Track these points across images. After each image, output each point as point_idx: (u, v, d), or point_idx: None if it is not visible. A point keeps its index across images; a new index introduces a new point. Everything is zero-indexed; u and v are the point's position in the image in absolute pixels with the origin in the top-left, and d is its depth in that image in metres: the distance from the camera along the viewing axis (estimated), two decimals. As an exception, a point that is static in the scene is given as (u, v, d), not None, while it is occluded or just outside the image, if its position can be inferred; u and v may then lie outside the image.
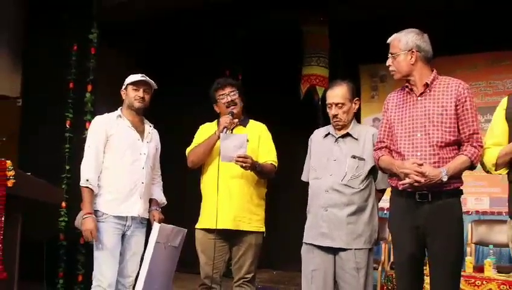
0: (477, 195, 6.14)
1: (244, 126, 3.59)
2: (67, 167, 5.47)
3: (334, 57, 6.41)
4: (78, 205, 5.27)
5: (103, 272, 3.24)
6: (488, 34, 5.93)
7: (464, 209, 5.93)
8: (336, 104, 3.18)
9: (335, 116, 3.18)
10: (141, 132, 3.48)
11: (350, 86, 3.24)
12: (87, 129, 5.44)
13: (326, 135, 3.29)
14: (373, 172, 3.13)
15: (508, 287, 3.77)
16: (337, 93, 3.19)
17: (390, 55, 2.90)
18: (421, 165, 2.66)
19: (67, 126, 5.55)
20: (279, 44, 6.57)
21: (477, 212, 6.14)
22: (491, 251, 4.38)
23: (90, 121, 5.41)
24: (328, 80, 6.13)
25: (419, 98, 2.85)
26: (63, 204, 5.31)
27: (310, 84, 6.23)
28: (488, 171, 2.84)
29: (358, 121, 3.42)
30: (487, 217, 5.95)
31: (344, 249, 3.05)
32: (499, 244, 4.95)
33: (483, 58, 6.44)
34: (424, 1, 5.69)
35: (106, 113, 3.48)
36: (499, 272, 4.08)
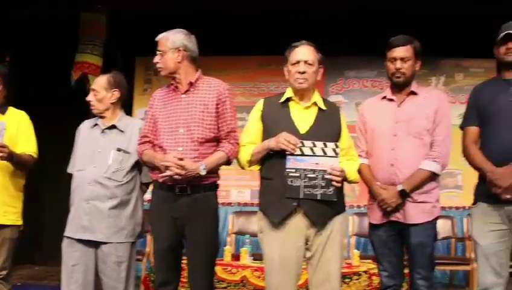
0: (240, 188, 6.52)
1: (3, 113, 3.39)
2: None
3: (111, 47, 6.29)
4: None
5: None
6: (255, 39, 6.43)
7: (228, 201, 6.30)
8: (93, 90, 3.21)
9: (89, 102, 3.22)
10: None
11: (113, 77, 3.24)
12: None
13: (94, 126, 3.24)
14: (138, 165, 3.15)
15: (261, 273, 4.01)
16: (96, 81, 3.26)
17: (158, 52, 2.97)
18: (181, 159, 2.77)
19: None
20: (56, 28, 6.22)
21: (239, 203, 6.54)
22: (248, 240, 4.72)
23: None
24: (100, 70, 5.98)
25: (183, 95, 2.96)
26: None
27: (82, 71, 5.99)
28: (242, 168, 3.07)
29: (130, 113, 3.43)
30: (247, 209, 6.36)
31: (105, 243, 3.03)
32: (255, 234, 5.35)
33: (252, 61, 6.96)
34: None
35: None
36: (254, 259, 4.37)
